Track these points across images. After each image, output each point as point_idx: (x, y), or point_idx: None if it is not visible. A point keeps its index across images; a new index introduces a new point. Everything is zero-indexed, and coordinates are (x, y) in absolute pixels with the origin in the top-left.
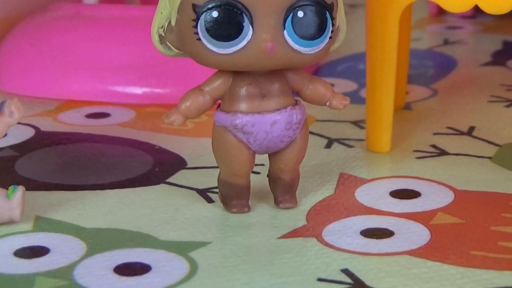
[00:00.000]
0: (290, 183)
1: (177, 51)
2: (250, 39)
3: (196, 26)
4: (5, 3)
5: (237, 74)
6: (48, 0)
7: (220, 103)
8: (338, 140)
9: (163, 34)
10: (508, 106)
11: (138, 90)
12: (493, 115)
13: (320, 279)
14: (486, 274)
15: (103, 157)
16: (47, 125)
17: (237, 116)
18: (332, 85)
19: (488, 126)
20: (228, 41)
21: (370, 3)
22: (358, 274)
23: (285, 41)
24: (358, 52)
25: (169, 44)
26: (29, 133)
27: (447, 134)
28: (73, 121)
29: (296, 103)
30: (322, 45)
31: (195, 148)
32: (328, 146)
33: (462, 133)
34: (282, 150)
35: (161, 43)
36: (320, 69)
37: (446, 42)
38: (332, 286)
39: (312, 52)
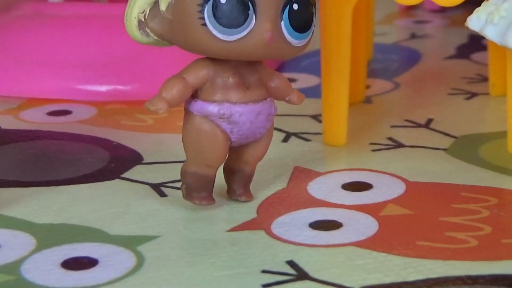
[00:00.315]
0: (250, 175)
1: (155, 38)
2: (252, 27)
3: (202, 11)
4: None
5: (219, 64)
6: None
7: (198, 92)
8: (296, 134)
9: (143, 20)
10: (468, 98)
11: (100, 88)
12: (452, 108)
13: (264, 271)
14: (430, 264)
15: (60, 154)
16: (8, 123)
17: (224, 105)
18: (296, 80)
19: (446, 119)
20: (234, 28)
21: None
22: (302, 265)
23: (281, 32)
24: None
25: (148, 31)
26: None
27: (405, 126)
28: (34, 119)
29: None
30: (307, 39)
31: (153, 144)
32: (285, 140)
33: (419, 126)
34: (253, 142)
35: (139, 29)
36: (284, 64)
37: (413, 36)
38: (275, 278)
39: (300, 45)
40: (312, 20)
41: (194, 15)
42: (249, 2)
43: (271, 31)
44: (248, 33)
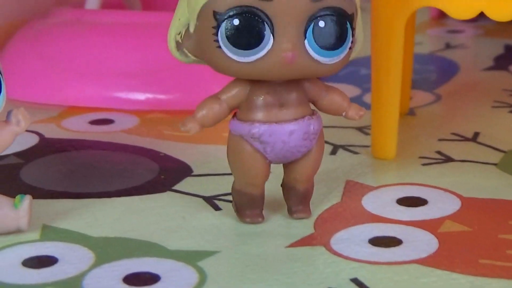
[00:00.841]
0: (305, 193)
1: (194, 58)
2: (270, 48)
3: (216, 34)
4: (7, 9)
5: (255, 83)
6: (49, 6)
7: (237, 112)
8: (343, 147)
9: (180, 41)
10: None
11: (141, 96)
12: (497, 121)
13: None
14: (495, 283)
15: (108, 164)
16: (51, 131)
17: (254, 125)
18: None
19: (493, 132)
20: (249, 49)
21: (376, 8)
22: (367, 283)
23: (306, 50)
24: (360, 57)
25: (186, 51)
26: (33, 140)
27: (452, 140)
28: (76, 127)
29: (313, 113)
30: (342, 56)
31: (201, 155)
32: (333, 152)
33: (467, 139)
34: (298, 160)
35: (178, 50)
36: None
37: (448, 46)
38: None
39: (332, 62)
40: (346, 35)
41: (210, 38)
42: (265, 23)
43: (290, 52)
44: (266, 54)
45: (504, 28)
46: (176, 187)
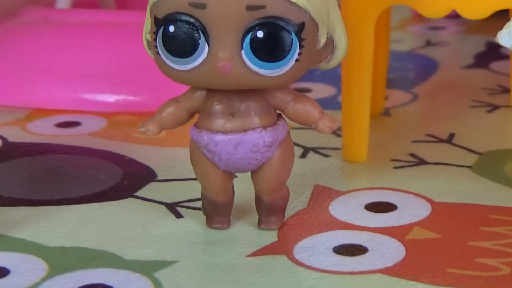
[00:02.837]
0: (271, 205)
1: None
2: (206, 57)
3: (155, 39)
4: None
5: (210, 89)
6: (19, 5)
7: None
8: (314, 149)
9: (149, 39)
10: (489, 111)
11: (110, 98)
12: (474, 121)
13: None
14: None
15: (70, 169)
16: (16, 135)
17: (201, 134)
18: (310, 90)
19: (469, 133)
20: (183, 57)
21: (345, 6)
22: None
23: (243, 61)
24: None
25: None
26: None
27: (427, 141)
28: (42, 130)
29: (272, 123)
30: (286, 68)
31: (166, 159)
32: (303, 155)
33: (441, 141)
34: (258, 171)
35: (149, 48)
36: None
37: (428, 43)
38: None
39: (275, 75)
40: (290, 47)
41: (152, 43)
42: (200, 31)
43: (224, 61)
44: (201, 63)
45: (487, 25)
46: (138, 193)
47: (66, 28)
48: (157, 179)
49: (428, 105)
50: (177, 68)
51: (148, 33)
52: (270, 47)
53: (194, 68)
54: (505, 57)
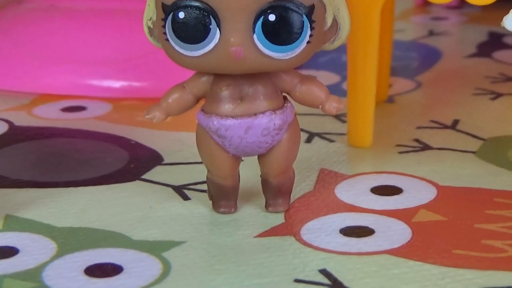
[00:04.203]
0: (278, 186)
1: None
2: (217, 42)
3: (164, 26)
4: None
5: (218, 74)
6: None
7: (204, 102)
8: (319, 135)
9: (151, 26)
10: (493, 99)
11: (115, 84)
12: (478, 108)
13: (297, 280)
14: (468, 274)
15: (77, 153)
16: (21, 119)
17: (211, 119)
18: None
19: (473, 120)
20: (194, 43)
21: None
22: (336, 274)
23: (255, 46)
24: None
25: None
26: (2, 128)
27: (431, 128)
28: (48, 115)
29: (281, 106)
30: (297, 51)
31: (173, 143)
32: (308, 140)
33: (446, 127)
34: (266, 154)
35: (151, 35)
36: None
37: (431, 33)
38: (309, 287)
39: (287, 58)
40: (302, 29)
41: (160, 30)
42: (211, 17)
43: (237, 46)
44: (213, 48)
45: (489, 15)
46: (145, 176)
47: (72, 14)
48: (163, 162)
49: (432, 92)
50: (187, 54)
51: (150, 20)
52: (282, 30)
53: (205, 53)
54: (507, 46)
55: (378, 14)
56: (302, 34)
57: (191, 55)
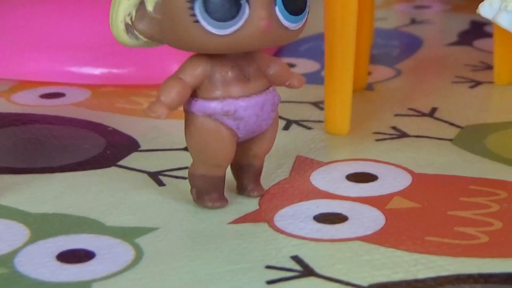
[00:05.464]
0: (259, 169)
1: (145, 40)
2: (247, 17)
3: (193, 8)
4: None
5: (216, 58)
6: None
7: (197, 91)
8: (297, 122)
9: (130, 23)
10: (472, 87)
11: (95, 71)
12: (457, 96)
13: (268, 267)
14: (440, 261)
15: (54, 139)
16: (0, 106)
17: (227, 101)
18: (294, 65)
19: (451, 108)
20: (228, 20)
21: None
22: (308, 261)
23: (277, 17)
24: (321, 32)
25: (137, 33)
26: None
27: (409, 115)
28: (27, 101)
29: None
30: (304, 20)
31: (149, 129)
32: (286, 128)
33: (424, 115)
34: (261, 134)
35: (127, 33)
36: (282, 49)
37: (413, 21)
38: (280, 274)
39: (296, 28)
40: (307, 0)
41: (185, 13)
42: None
43: (266, 19)
44: (243, 24)
45: (472, 4)
46: (121, 162)
47: (52, 1)
48: (140, 149)
49: (411, 80)
50: (220, 33)
51: (129, 16)
52: (298, 1)
53: (236, 30)
54: (488, 35)
55: (356, 2)
56: (307, 3)
57: (223, 33)
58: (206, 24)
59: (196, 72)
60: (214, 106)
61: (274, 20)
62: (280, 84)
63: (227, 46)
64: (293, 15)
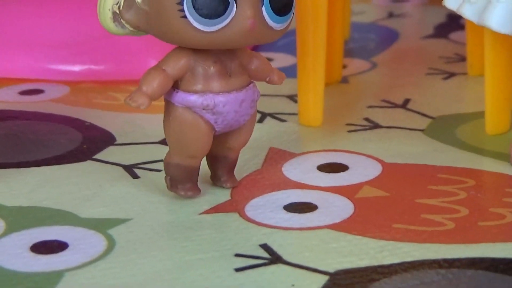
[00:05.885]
0: (234, 161)
1: (130, 29)
2: (234, 16)
3: (181, 3)
4: None
5: (199, 52)
6: None
7: (178, 82)
8: (271, 115)
9: (117, 11)
10: (445, 78)
11: (73, 67)
12: (430, 88)
13: (237, 255)
14: (406, 247)
15: (31, 134)
16: None
17: (207, 96)
18: (272, 59)
19: (424, 99)
20: (215, 18)
21: None
22: (276, 249)
23: (263, 17)
24: None
25: (124, 22)
26: None
27: (382, 107)
28: (5, 98)
29: (250, 80)
30: (289, 21)
31: (126, 124)
32: (260, 120)
33: (396, 106)
34: (239, 128)
35: (114, 21)
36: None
37: (391, 15)
38: (249, 261)
39: (281, 28)
40: (293, 2)
41: (173, 8)
42: None
43: (252, 18)
44: (229, 22)
45: None
46: (97, 156)
47: None
48: (116, 143)
49: (386, 73)
50: (207, 30)
51: (117, 4)
52: (284, 1)
53: (222, 28)
54: (464, 27)
55: None
56: (293, 4)
57: (209, 30)
58: (193, 20)
59: (178, 64)
60: (194, 99)
61: (260, 20)
62: (260, 79)
63: (212, 42)
64: (279, 15)
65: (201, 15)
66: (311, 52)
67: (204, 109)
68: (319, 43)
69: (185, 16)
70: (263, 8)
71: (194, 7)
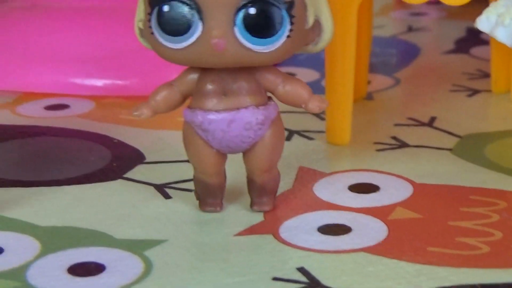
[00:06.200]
0: (262, 186)
1: None
2: (200, 35)
3: (150, 20)
4: None
5: (204, 70)
6: None
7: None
8: (299, 132)
9: (142, 27)
10: (469, 95)
11: (98, 82)
12: (455, 105)
13: (275, 278)
14: (443, 271)
15: (60, 152)
16: (5, 118)
17: (195, 113)
18: (294, 74)
19: (450, 117)
20: (178, 36)
21: None
22: (313, 272)
23: (236, 38)
24: None
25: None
26: None
27: (408, 125)
28: (31, 113)
29: (264, 103)
30: (277, 44)
31: (154, 142)
32: (288, 138)
33: (423, 124)
34: (250, 151)
35: (141, 37)
36: None
37: (410, 29)
38: (287, 286)
39: (267, 51)
40: (282, 24)
41: (146, 23)
42: (193, 9)
43: (218, 38)
44: (195, 41)
45: (467, 10)
46: (127, 174)
47: (55, 12)
48: (145, 161)
49: (410, 89)
50: (172, 47)
51: (140, 21)
52: (262, 23)
53: (188, 46)
54: (485, 42)
55: (356, 11)
56: (282, 28)
57: (175, 47)
58: (159, 36)
59: (184, 79)
60: (189, 115)
61: (232, 41)
62: (294, 105)
63: (182, 60)
64: (258, 37)
65: (164, 31)
66: (339, 68)
67: (195, 125)
68: (348, 59)
69: (153, 33)
70: (236, 29)
71: (159, 24)
